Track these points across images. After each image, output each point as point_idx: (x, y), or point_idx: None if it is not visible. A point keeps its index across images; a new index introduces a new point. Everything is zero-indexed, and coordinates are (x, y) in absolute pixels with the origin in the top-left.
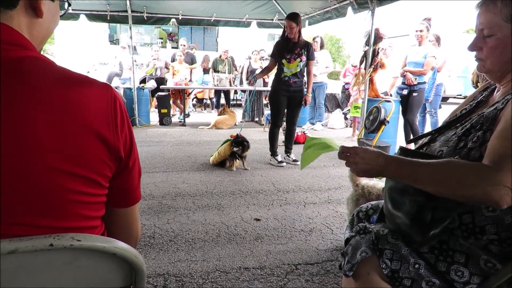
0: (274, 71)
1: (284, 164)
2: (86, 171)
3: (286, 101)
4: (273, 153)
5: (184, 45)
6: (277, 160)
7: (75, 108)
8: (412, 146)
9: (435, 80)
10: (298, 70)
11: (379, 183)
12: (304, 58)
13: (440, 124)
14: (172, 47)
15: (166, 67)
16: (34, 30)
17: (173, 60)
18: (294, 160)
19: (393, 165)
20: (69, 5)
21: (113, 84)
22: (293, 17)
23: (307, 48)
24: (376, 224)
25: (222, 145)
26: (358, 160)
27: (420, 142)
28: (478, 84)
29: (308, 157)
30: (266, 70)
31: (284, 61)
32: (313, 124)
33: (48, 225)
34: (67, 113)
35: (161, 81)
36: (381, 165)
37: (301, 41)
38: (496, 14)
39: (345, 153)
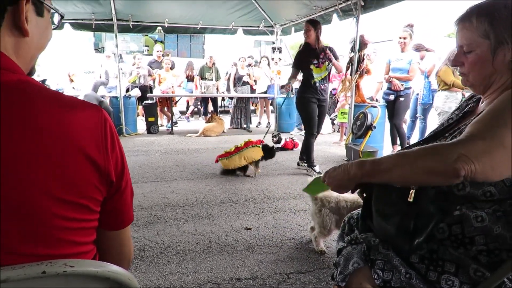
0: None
1: None
2: (76, 196)
3: (316, 108)
4: (310, 164)
5: (159, 51)
6: (315, 171)
7: (66, 131)
8: None
9: (431, 84)
10: (327, 74)
11: (333, 193)
12: (332, 59)
13: (428, 130)
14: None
15: (150, 75)
16: (21, 50)
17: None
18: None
19: (353, 168)
20: (62, 17)
21: (99, 93)
22: (311, 21)
23: (331, 49)
24: (366, 233)
25: (242, 150)
26: (332, 177)
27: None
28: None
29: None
30: (292, 78)
31: (312, 66)
32: (301, 129)
33: (40, 253)
34: (58, 136)
35: (145, 89)
36: (346, 173)
37: (321, 47)
38: (473, 31)
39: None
